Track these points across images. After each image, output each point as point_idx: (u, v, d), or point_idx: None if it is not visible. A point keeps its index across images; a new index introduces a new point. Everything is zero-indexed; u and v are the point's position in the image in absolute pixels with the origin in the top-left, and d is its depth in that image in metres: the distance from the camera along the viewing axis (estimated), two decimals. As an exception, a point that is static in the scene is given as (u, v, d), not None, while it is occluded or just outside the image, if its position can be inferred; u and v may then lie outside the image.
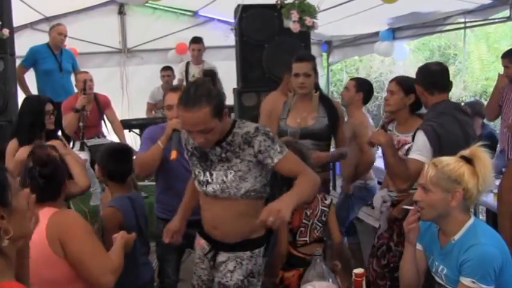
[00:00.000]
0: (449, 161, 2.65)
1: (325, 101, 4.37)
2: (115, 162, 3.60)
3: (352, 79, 5.73)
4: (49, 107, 4.49)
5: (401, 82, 4.01)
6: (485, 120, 6.76)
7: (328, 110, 4.29)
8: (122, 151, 3.73)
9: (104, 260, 2.69)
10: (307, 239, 3.72)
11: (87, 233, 2.69)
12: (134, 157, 3.83)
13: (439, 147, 3.38)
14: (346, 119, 4.96)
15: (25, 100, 4.94)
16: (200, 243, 3.21)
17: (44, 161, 2.79)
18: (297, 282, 3.45)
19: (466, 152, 2.67)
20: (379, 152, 6.22)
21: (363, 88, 5.38)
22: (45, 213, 2.62)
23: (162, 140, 3.60)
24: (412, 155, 3.47)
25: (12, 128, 4.84)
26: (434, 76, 3.68)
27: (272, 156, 2.81)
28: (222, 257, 3.06)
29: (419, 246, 2.86)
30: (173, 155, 3.35)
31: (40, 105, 4.49)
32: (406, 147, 3.86)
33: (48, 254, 2.56)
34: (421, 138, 3.46)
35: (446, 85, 3.71)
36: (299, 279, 3.35)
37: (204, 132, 2.71)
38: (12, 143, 4.31)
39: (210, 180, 2.93)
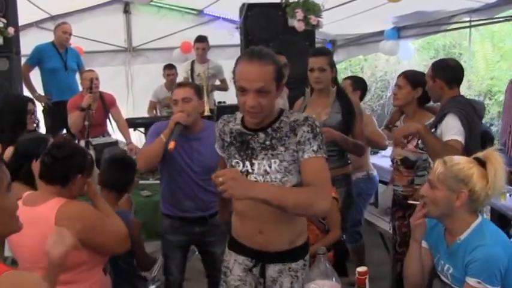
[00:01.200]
0: (460, 160, 2.65)
1: (341, 96, 4.28)
2: (114, 171, 3.61)
3: (346, 78, 5.82)
4: (30, 106, 4.51)
5: (409, 76, 4.10)
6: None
7: (343, 106, 4.22)
8: (120, 160, 3.71)
9: (118, 234, 2.87)
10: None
11: (100, 221, 2.80)
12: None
13: (468, 135, 3.44)
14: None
15: (5, 99, 4.92)
16: (238, 261, 2.84)
17: (59, 144, 2.81)
18: None
19: (480, 154, 2.66)
20: (384, 152, 6.29)
21: (360, 86, 5.51)
22: (53, 205, 2.67)
23: (165, 133, 3.64)
24: (453, 137, 3.50)
25: None
26: (455, 71, 3.87)
27: (305, 150, 2.53)
28: (272, 270, 2.74)
29: (424, 244, 2.86)
30: (171, 145, 3.42)
31: (22, 104, 4.50)
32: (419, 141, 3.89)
33: None
34: (454, 121, 3.55)
35: (462, 80, 3.88)
36: None
37: (260, 92, 2.47)
38: None
39: (250, 171, 2.62)
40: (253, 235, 2.71)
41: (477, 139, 3.65)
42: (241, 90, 2.51)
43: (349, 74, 13.60)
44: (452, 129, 3.56)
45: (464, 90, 11.35)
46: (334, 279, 2.46)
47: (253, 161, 2.62)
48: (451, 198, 2.59)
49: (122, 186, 3.58)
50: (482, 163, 2.61)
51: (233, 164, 2.68)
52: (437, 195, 2.63)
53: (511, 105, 5.83)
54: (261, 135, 2.61)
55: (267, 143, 2.60)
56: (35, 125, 4.75)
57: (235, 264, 2.83)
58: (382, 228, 5.34)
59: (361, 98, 5.57)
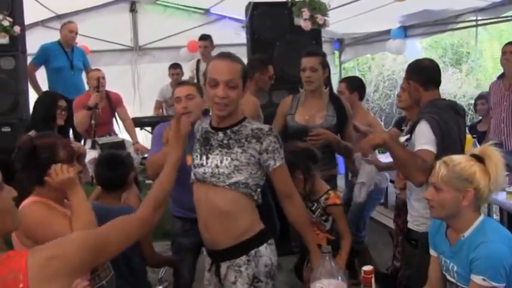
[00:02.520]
0: (460, 160, 2.64)
1: (334, 99, 4.31)
2: (103, 170, 3.56)
3: (342, 81, 5.77)
4: (62, 102, 4.75)
5: None
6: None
7: (337, 109, 4.24)
8: (108, 159, 3.64)
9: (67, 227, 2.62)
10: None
11: (40, 226, 2.60)
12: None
13: (441, 142, 3.32)
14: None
15: (41, 94, 5.32)
16: (208, 262, 3.09)
17: (18, 148, 2.74)
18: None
19: (476, 151, 2.67)
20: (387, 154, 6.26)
21: (355, 87, 5.41)
22: (25, 203, 2.66)
23: None
24: (423, 146, 3.27)
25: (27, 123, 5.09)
26: (430, 72, 3.64)
27: (276, 159, 2.85)
28: (223, 269, 2.94)
29: (434, 253, 2.87)
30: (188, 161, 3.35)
31: (53, 99, 4.73)
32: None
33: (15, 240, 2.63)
34: (426, 128, 3.32)
35: (440, 81, 3.66)
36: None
37: (229, 86, 2.78)
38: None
39: (204, 163, 2.92)
40: (202, 231, 2.98)
41: (454, 144, 3.50)
42: (212, 84, 2.81)
43: (357, 73, 13.60)
44: (422, 138, 3.33)
45: (472, 89, 11.41)
46: (340, 278, 2.45)
47: (209, 155, 2.92)
48: (458, 198, 2.59)
49: (115, 184, 3.51)
50: (480, 159, 2.61)
51: (194, 157, 3.01)
52: (444, 198, 2.62)
53: (496, 102, 5.89)
54: (220, 134, 2.91)
55: (224, 142, 2.89)
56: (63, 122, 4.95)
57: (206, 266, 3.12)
58: (391, 227, 5.32)
59: (361, 97, 5.47)
